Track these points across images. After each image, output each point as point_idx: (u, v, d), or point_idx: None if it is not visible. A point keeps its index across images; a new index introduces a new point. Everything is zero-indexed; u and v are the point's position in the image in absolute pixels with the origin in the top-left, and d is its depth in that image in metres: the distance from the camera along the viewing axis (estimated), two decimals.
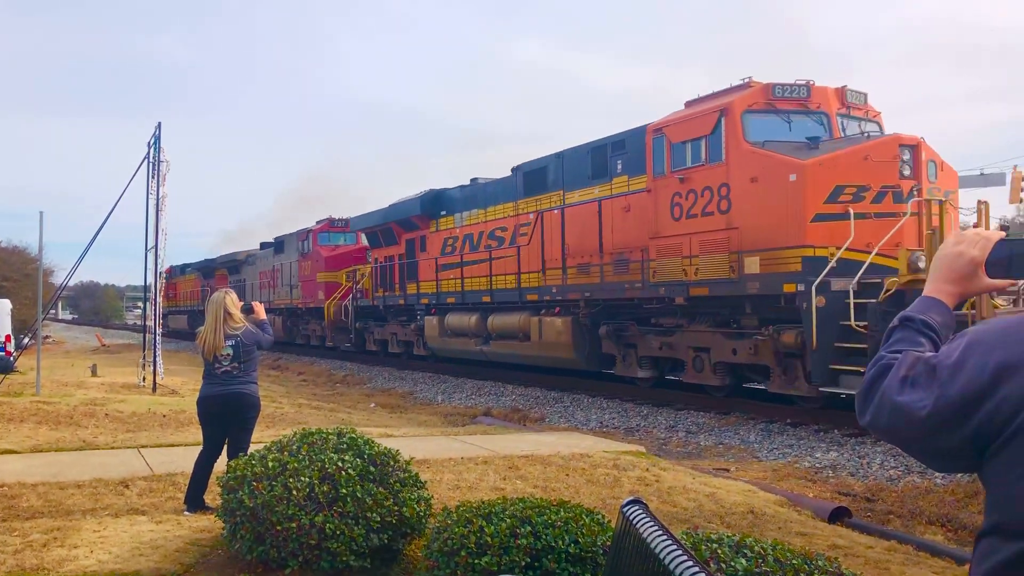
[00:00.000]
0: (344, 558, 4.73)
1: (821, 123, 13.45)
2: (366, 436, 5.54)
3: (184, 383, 17.74)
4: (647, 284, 14.69)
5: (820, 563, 3.49)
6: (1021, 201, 11.23)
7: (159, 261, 17.00)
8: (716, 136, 13.41)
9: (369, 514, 4.84)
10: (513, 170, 19.35)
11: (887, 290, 10.94)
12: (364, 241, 28.27)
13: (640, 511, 2.90)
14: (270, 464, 5.04)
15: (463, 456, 8.79)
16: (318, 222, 31.72)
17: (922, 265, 10.93)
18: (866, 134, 13.29)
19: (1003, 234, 1.77)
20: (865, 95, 14.16)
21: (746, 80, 13.87)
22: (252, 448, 6.17)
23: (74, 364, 24.56)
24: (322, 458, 5.05)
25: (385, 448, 5.40)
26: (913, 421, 1.55)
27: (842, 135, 13.34)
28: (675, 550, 2.42)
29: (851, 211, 11.66)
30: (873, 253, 11.28)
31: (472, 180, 22.16)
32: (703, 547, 3.51)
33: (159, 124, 16.89)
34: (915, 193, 11.96)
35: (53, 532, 5.68)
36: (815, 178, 12.03)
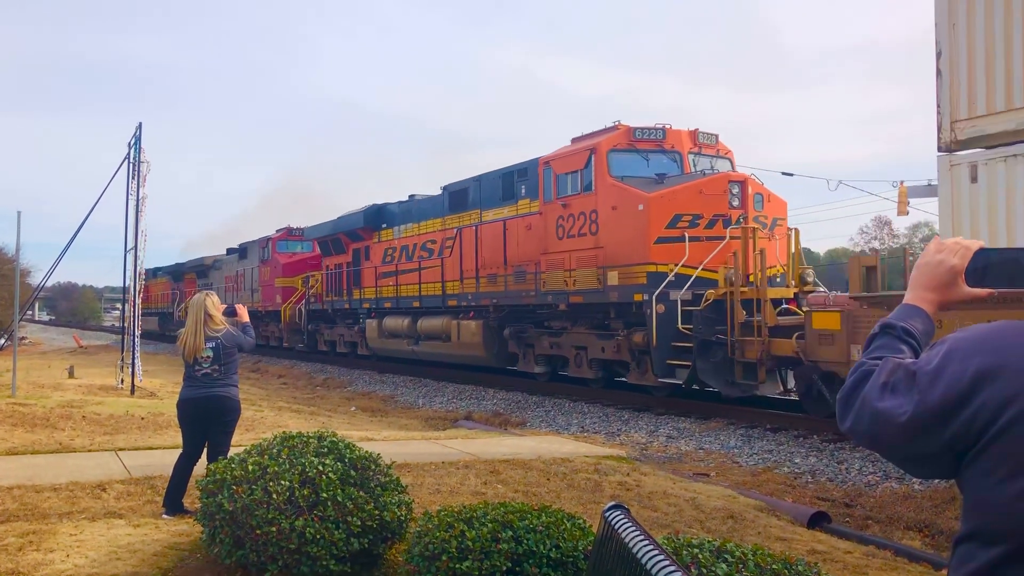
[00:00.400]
0: (324, 562, 4.70)
1: (675, 160, 15.97)
2: (347, 440, 5.51)
3: (162, 385, 17.61)
4: (539, 293, 17.29)
5: (800, 568, 3.51)
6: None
7: (138, 263, 16.87)
8: (588, 170, 16.06)
9: (350, 518, 4.81)
10: (442, 189, 21.59)
11: (706, 299, 13.59)
12: (319, 249, 30.16)
13: (622, 516, 2.91)
14: (250, 468, 5.01)
15: (444, 460, 8.77)
16: (277, 231, 33.72)
17: (735, 280, 13.40)
18: (703, 171, 15.67)
19: (982, 243, 1.78)
20: (716, 136, 16.56)
21: (615, 123, 16.28)
22: (232, 451, 6.14)
23: (51, 365, 24.32)
24: (303, 462, 5.03)
25: (366, 452, 5.38)
26: (893, 427, 1.56)
27: (692, 170, 15.76)
28: (657, 555, 2.43)
29: (686, 235, 14.31)
30: (698, 270, 13.97)
31: (410, 196, 24.34)
32: (684, 552, 3.52)
33: (140, 124, 16.78)
34: (742, 221, 14.31)
35: (28, 536, 5.61)
36: (658, 208, 14.62)
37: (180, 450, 6.82)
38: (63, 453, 9.07)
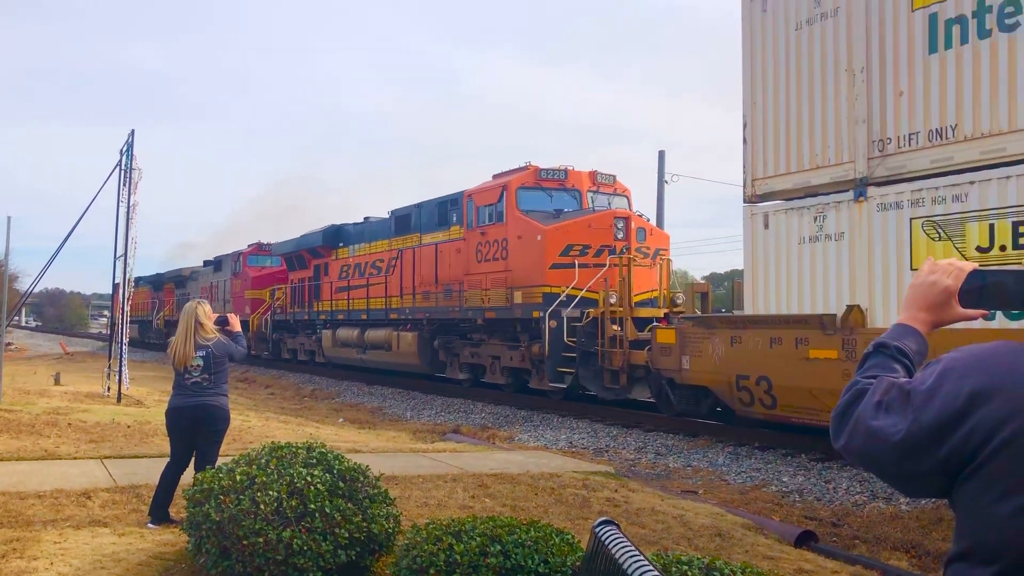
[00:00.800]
0: (311, 574, 4.68)
1: (575, 197, 18.58)
2: (336, 451, 5.50)
3: (149, 393, 17.51)
4: (462, 308, 19.69)
5: None
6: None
7: (128, 270, 16.81)
8: (500, 204, 18.57)
9: (337, 530, 4.79)
10: (390, 213, 24.07)
11: (588, 317, 16.08)
12: (286, 264, 32.36)
13: (612, 532, 2.91)
14: (238, 477, 4.98)
15: (432, 473, 8.75)
16: (249, 246, 35.62)
17: (613, 301, 15.81)
18: (599, 207, 18.25)
19: (976, 265, 1.79)
20: (614, 176, 19.18)
21: (526, 164, 18.82)
22: (219, 461, 6.11)
23: (37, 372, 24.19)
24: (291, 472, 5.01)
25: (355, 464, 5.37)
26: (887, 445, 1.56)
27: (591, 207, 18.34)
28: (649, 571, 2.43)
29: (576, 262, 16.88)
30: (583, 291, 16.41)
31: (365, 218, 26.56)
32: (673, 569, 3.52)
33: (132, 132, 16.75)
34: (625, 251, 16.73)
35: (12, 543, 5.57)
36: (553, 238, 17.21)
37: (167, 459, 6.78)
38: (48, 460, 9.00)
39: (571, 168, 18.71)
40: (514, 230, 18.08)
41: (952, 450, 1.49)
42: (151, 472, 7.29)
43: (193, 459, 6.62)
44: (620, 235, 17.26)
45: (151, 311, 48.82)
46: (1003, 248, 9.11)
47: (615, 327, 15.61)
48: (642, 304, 16.45)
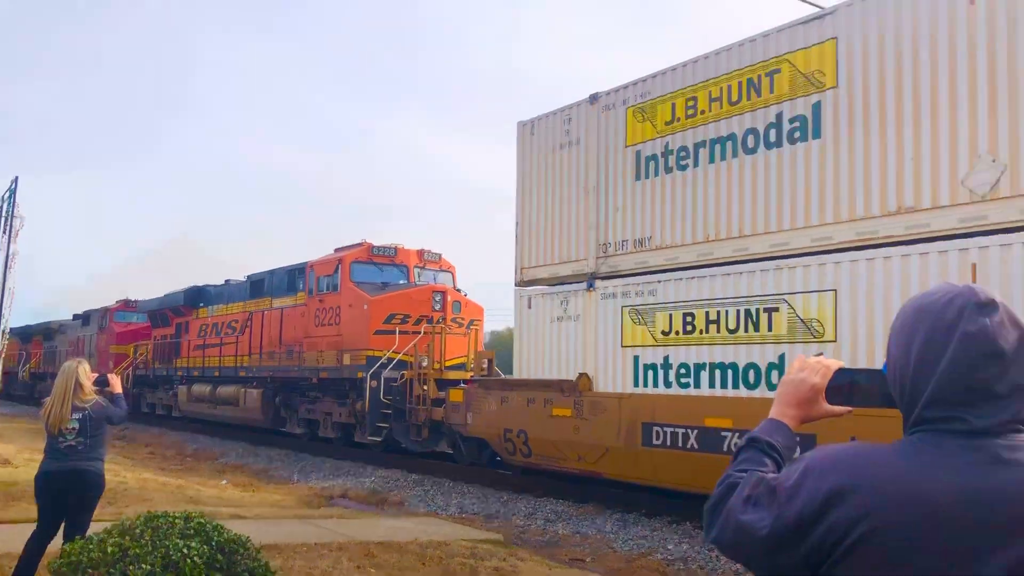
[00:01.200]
0: None
1: (403, 272, 21.19)
2: (215, 521, 5.32)
3: (18, 452, 16.58)
4: (301, 368, 21.89)
5: None
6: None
7: (3, 322, 16.02)
8: (336, 276, 20.93)
9: None
10: (247, 277, 26.46)
11: (402, 377, 18.33)
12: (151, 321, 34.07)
13: None
14: (109, 549, 4.77)
15: (316, 541, 8.53)
16: (116, 302, 37.04)
17: (424, 364, 18.08)
18: (423, 282, 21.05)
19: (843, 363, 1.90)
20: (439, 255, 22.08)
21: (361, 241, 21.28)
22: (91, 530, 5.82)
23: None
24: (167, 544, 4.82)
25: (235, 535, 5.20)
26: (754, 540, 1.62)
27: (417, 280, 21.08)
28: None
29: (397, 329, 19.18)
30: (400, 355, 18.46)
31: (226, 281, 28.74)
32: None
33: (15, 179, 16.19)
34: (441, 321, 19.28)
35: None
36: (377, 308, 19.52)
37: (33, 526, 6.42)
38: None
39: (401, 246, 21.34)
40: (346, 299, 20.38)
41: (812, 547, 1.56)
42: (14, 540, 6.87)
43: (62, 528, 6.28)
44: (437, 307, 19.80)
45: (17, 363, 48.12)
46: (677, 332, 11.81)
47: (424, 387, 17.77)
48: (453, 368, 18.65)
